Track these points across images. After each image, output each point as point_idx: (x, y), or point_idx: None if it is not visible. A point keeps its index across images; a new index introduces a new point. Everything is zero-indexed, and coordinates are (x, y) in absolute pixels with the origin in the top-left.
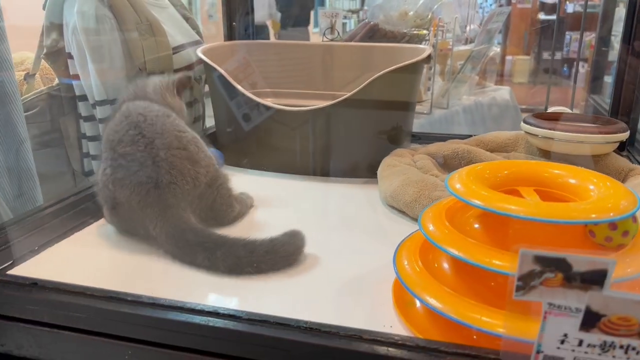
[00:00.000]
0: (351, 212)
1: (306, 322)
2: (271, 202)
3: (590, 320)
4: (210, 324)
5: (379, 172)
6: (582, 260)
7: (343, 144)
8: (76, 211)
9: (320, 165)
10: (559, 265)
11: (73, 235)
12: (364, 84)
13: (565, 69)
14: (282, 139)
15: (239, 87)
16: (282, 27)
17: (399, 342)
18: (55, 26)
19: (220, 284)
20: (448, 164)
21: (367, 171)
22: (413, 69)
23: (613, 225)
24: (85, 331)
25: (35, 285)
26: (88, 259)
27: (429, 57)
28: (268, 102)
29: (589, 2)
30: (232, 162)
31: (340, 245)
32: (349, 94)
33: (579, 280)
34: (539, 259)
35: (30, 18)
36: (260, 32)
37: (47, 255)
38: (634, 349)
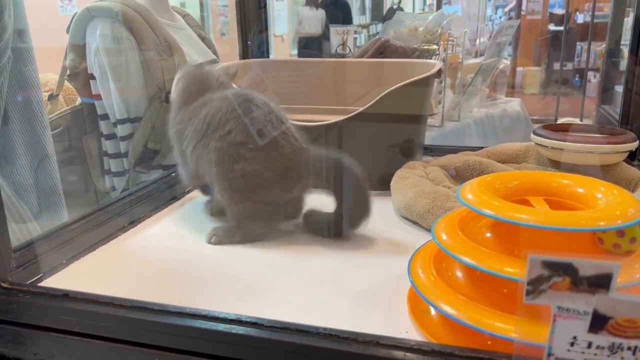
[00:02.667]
0: (366, 224)
1: (325, 329)
2: None
3: (598, 322)
4: (233, 331)
5: (392, 184)
6: (587, 264)
7: (357, 157)
8: (101, 226)
9: None
10: (566, 269)
11: (99, 249)
12: (376, 99)
13: (577, 79)
14: None
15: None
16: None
17: (415, 347)
18: (77, 48)
19: (243, 293)
20: (460, 176)
21: (380, 184)
22: (424, 83)
23: (621, 232)
24: (113, 339)
25: (66, 296)
26: (114, 271)
27: (439, 72)
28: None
29: (601, 12)
30: None
31: (357, 255)
32: (362, 108)
33: (585, 284)
34: (546, 264)
35: (53, 40)
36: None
37: (75, 267)
38: None
